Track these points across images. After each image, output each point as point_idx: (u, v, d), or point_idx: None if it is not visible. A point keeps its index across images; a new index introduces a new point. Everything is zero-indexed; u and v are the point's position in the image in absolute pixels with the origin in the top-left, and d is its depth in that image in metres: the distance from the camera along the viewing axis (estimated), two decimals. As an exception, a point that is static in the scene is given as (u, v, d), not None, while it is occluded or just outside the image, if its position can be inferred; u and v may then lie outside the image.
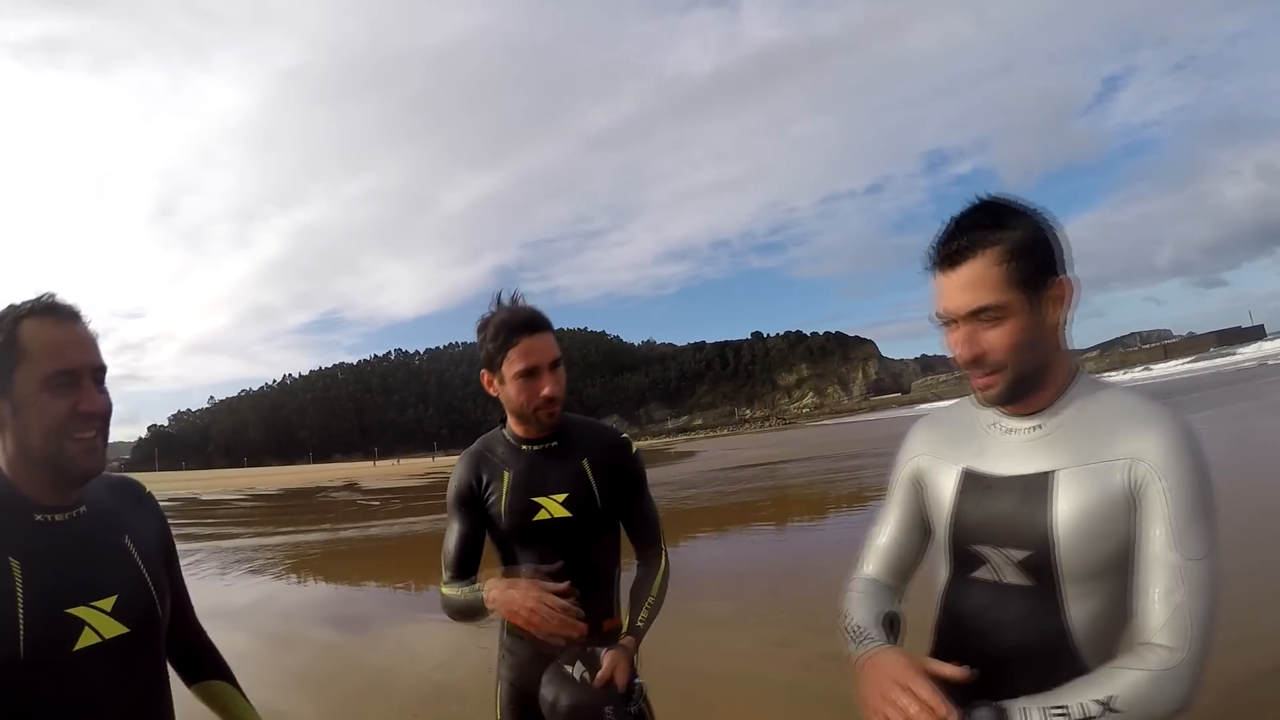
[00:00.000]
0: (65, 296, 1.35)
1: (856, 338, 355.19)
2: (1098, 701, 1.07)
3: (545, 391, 1.88)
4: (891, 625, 1.36)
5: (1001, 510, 1.24)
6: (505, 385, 1.90)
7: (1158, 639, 1.11)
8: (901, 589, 1.47)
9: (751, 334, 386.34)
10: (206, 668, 1.64)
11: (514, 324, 1.88)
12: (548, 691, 1.71)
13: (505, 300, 1.96)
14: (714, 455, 34.32)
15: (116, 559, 1.37)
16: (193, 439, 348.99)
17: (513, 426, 2.00)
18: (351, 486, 38.36)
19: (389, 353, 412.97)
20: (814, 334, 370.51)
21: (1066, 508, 1.18)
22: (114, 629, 1.30)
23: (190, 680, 1.62)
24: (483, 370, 1.94)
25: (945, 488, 1.33)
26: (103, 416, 1.33)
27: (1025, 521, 1.21)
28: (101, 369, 1.35)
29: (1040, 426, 1.25)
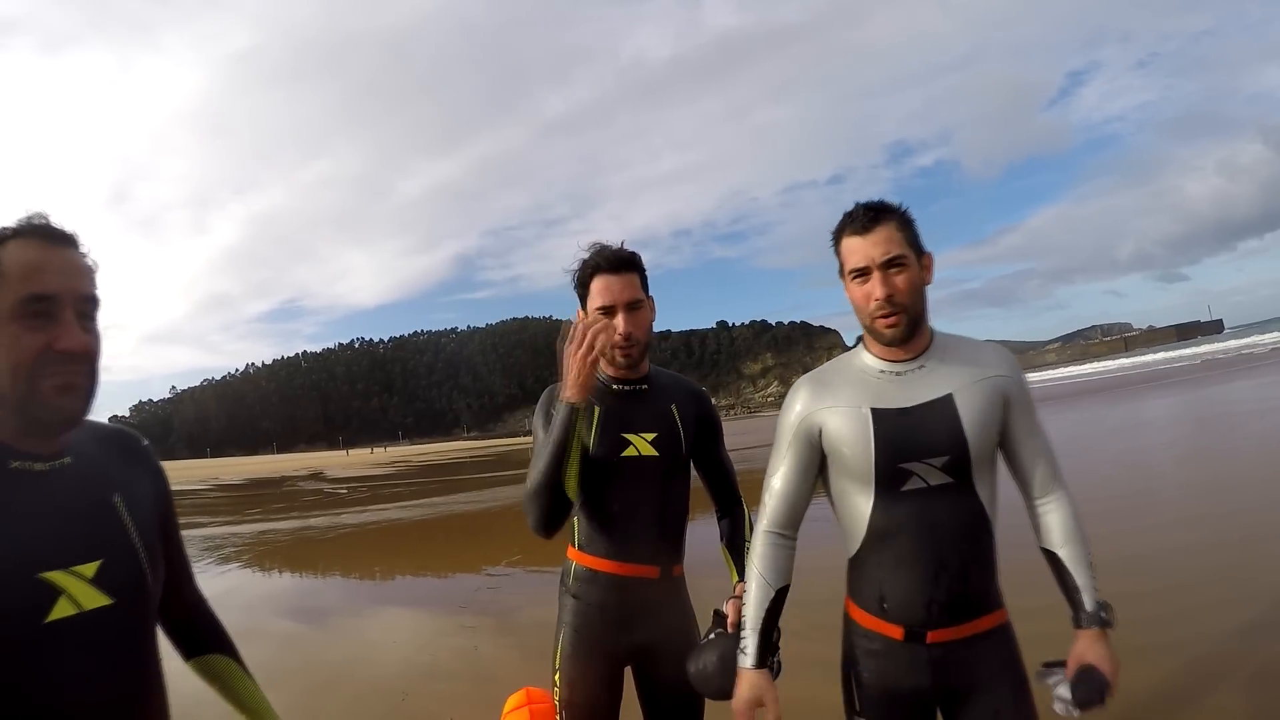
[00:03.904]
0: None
1: (821, 327, 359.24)
2: (1087, 552, 1.62)
3: (620, 328, 1.89)
4: (773, 637, 1.71)
5: (921, 429, 1.59)
6: None
7: (1053, 486, 1.67)
8: (794, 539, 1.77)
9: (716, 323, 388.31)
10: (207, 641, 1.48)
11: (593, 261, 1.92)
12: (693, 666, 1.76)
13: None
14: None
15: (104, 519, 1.17)
16: (154, 430, 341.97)
17: (603, 366, 1.98)
18: (318, 475, 37.92)
19: (353, 341, 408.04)
20: (779, 323, 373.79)
21: (969, 415, 1.59)
22: (95, 599, 1.09)
23: (188, 654, 1.45)
24: (579, 309, 1.96)
25: (852, 428, 1.63)
26: (85, 357, 1.11)
27: (943, 431, 1.58)
28: (91, 300, 1.14)
29: (924, 366, 1.65)
